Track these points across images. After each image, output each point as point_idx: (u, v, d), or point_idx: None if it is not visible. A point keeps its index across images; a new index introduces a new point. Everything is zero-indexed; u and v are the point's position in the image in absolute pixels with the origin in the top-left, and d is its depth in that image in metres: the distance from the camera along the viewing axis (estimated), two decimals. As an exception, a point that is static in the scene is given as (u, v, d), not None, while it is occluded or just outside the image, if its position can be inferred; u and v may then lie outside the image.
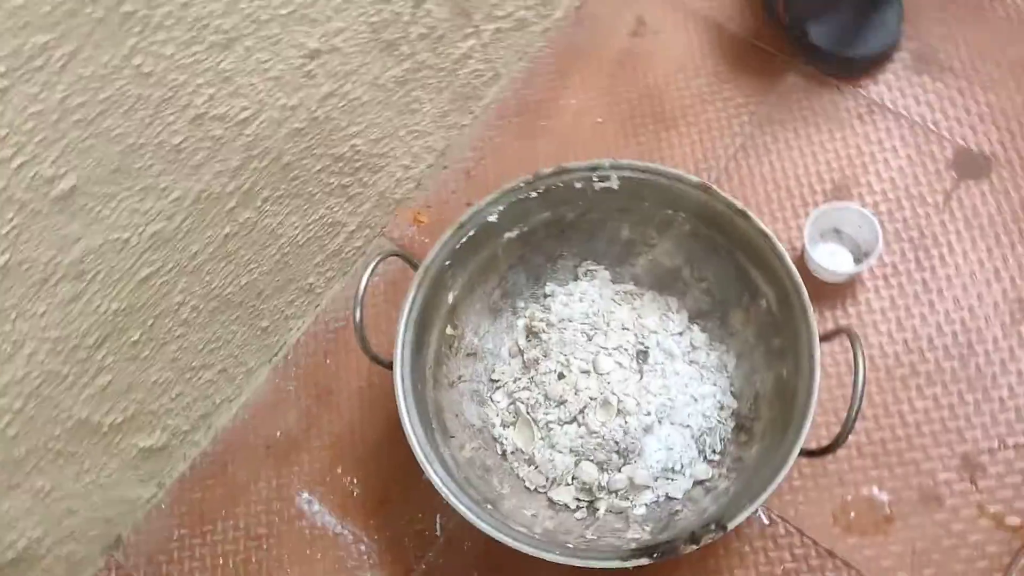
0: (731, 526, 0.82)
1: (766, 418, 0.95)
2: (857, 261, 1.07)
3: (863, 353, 0.81)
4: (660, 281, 1.06)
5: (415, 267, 0.97)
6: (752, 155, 1.15)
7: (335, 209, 1.07)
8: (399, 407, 0.90)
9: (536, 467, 0.99)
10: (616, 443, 0.95)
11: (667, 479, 0.97)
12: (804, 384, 0.86)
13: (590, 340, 1.00)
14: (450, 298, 1.00)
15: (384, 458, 1.08)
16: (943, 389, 1.01)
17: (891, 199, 1.10)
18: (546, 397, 1.00)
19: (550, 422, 0.98)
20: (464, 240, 0.97)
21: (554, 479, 0.98)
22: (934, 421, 1.00)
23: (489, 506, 0.90)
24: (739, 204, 0.93)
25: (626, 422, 0.95)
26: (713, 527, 0.82)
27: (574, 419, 0.98)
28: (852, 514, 0.98)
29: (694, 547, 0.82)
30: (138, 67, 0.73)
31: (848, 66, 1.17)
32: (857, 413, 0.80)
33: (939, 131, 1.12)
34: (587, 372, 0.98)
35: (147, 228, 0.84)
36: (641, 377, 0.98)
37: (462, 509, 0.85)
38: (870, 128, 1.14)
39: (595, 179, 0.98)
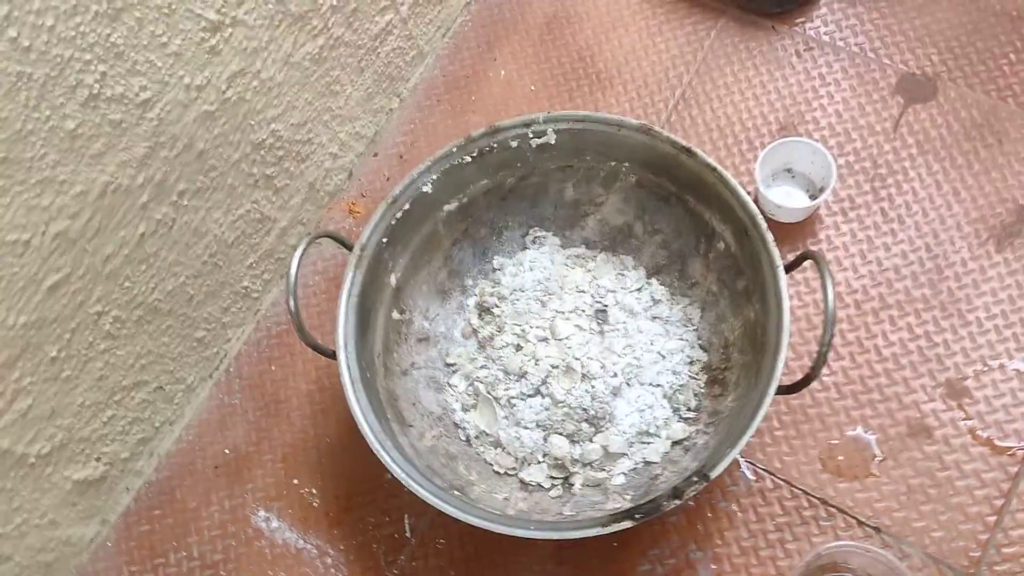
0: (714, 475, 0.76)
1: (739, 365, 0.89)
2: (812, 198, 1.03)
3: (828, 272, 0.76)
4: (612, 240, 1.01)
5: (350, 248, 0.91)
6: (693, 104, 1.11)
7: (262, 203, 1.01)
8: (347, 394, 0.83)
9: (503, 448, 0.92)
10: (584, 410, 0.89)
11: (643, 443, 0.91)
12: (773, 318, 0.81)
13: (544, 307, 0.94)
14: (392, 280, 0.94)
15: (343, 462, 1.00)
16: (916, 317, 0.97)
17: (839, 132, 1.06)
18: (505, 372, 0.93)
19: (512, 398, 0.92)
20: (399, 216, 0.91)
21: (523, 459, 0.92)
22: (911, 351, 0.96)
23: (456, 493, 0.83)
24: (683, 141, 0.88)
25: (592, 387, 0.89)
26: (695, 479, 0.76)
27: (537, 391, 0.92)
28: (840, 458, 0.93)
29: (677, 502, 0.76)
30: (14, 40, 0.67)
31: (781, 4, 1.13)
32: (831, 335, 0.74)
33: (880, 59, 1.09)
34: (545, 340, 0.92)
35: (49, 227, 0.77)
36: (603, 338, 0.93)
37: (423, 494, 0.79)
38: (809, 64, 1.10)
39: (531, 135, 0.93)
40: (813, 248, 1.02)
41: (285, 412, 1.04)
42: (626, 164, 0.94)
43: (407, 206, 0.92)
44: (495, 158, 0.94)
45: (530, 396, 0.92)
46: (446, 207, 0.96)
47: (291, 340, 1.07)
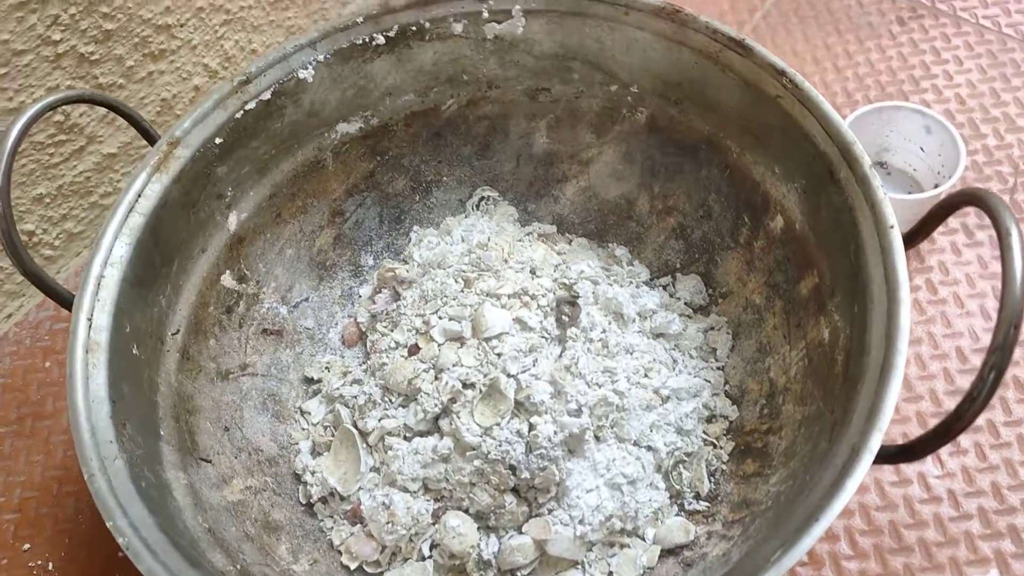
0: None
1: (793, 424, 0.50)
2: (920, 204, 0.65)
3: (1015, 222, 0.38)
4: (600, 222, 0.64)
5: (152, 140, 0.55)
6: (742, 68, 0.76)
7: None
8: (71, 359, 0.45)
9: (363, 524, 0.52)
10: (512, 469, 0.49)
11: (612, 546, 0.51)
12: (876, 322, 0.43)
13: (469, 288, 0.56)
14: (231, 221, 0.57)
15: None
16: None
17: (962, 123, 0.71)
18: (385, 389, 0.54)
19: (389, 434, 0.53)
20: (252, 107, 0.55)
21: (395, 547, 0.51)
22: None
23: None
24: (731, 31, 0.52)
25: (533, 428, 0.50)
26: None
27: (434, 425, 0.52)
28: (962, 624, 0.51)
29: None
30: None
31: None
32: (1012, 333, 0.36)
33: (1022, 36, 0.75)
34: (459, 339, 0.53)
35: None
36: (563, 349, 0.53)
37: None
38: (917, 35, 0.76)
39: (486, 16, 0.58)
40: (919, 279, 0.64)
41: (44, 434, 0.65)
42: (635, 88, 0.59)
43: (267, 96, 0.56)
44: (426, 54, 0.59)
45: (420, 434, 0.52)
46: (341, 125, 0.60)
47: (90, 328, 0.69)
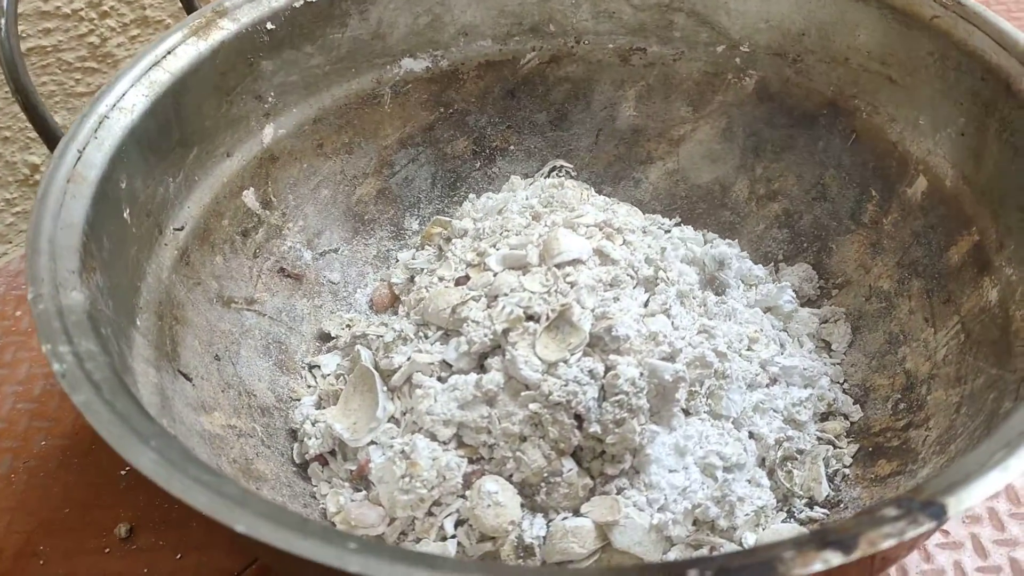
0: (959, 507, 0.24)
1: (948, 406, 0.39)
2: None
3: None
4: (687, 210, 0.55)
5: (189, 7, 0.48)
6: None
7: None
8: (44, 183, 0.35)
9: (370, 488, 0.40)
10: (578, 420, 0.38)
11: (698, 548, 0.38)
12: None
13: (537, 221, 0.46)
14: (266, 132, 0.49)
15: (36, 498, 0.48)
16: None
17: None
18: (421, 323, 0.44)
19: (420, 371, 0.41)
20: (314, 0, 0.48)
21: (409, 519, 0.39)
22: None
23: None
24: (876, -41, 0.46)
25: (611, 370, 0.38)
26: (895, 511, 0.24)
27: (478, 366, 0.41)
28: None
29: (840, 558, 0.23)
30: None
31: None
32: None
33: None
34: (523, 268, 0.43)
35: None
36: (652, 296, 0.43)
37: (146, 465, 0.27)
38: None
39: (589, -55, 0.52)
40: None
41: (-6, 385, 0.53)
42: (745, 46, 0.51)
43: (334, -8, 0.49)
44: (514, -11, 0.53)
45: (461, 371, 0.41)
46: (407, 60, 0.53)
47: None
